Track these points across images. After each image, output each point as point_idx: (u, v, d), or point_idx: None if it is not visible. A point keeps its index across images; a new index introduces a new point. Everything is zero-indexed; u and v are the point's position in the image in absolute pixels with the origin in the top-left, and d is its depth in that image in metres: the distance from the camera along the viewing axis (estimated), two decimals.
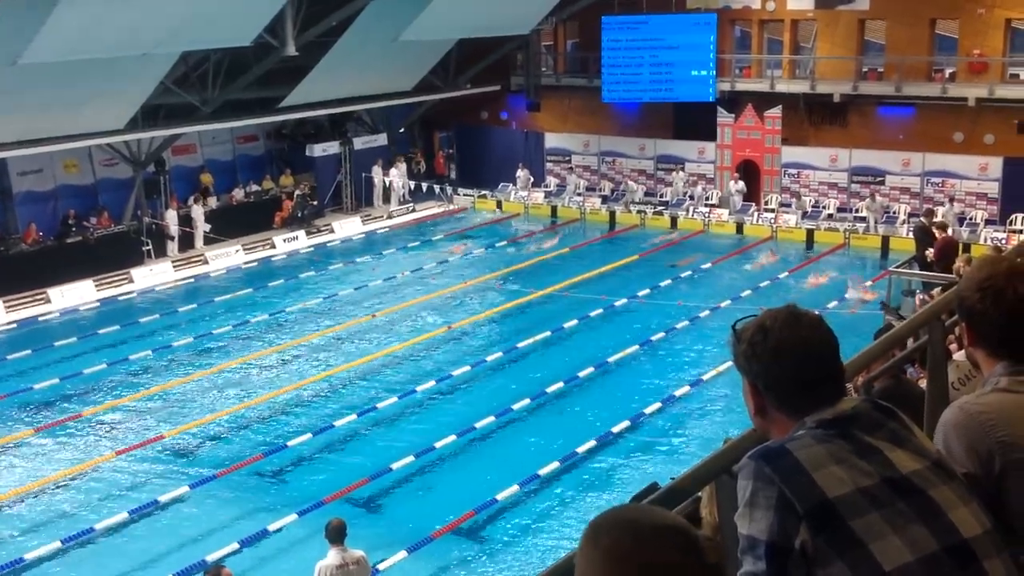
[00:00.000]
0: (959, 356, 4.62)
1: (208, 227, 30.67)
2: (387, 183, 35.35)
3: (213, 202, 31.64)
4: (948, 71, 31.47)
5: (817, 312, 2.29)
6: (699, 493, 2.91)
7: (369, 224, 34.15)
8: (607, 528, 1.81)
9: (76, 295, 26.40)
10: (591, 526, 1.84)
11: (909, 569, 1.94)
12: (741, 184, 32.77)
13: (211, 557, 13.35)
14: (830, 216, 31.78)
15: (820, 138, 32.53)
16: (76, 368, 21.08)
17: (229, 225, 31.07)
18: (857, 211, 31.48)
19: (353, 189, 35.16)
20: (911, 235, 25.53)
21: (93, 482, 16.39)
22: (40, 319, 25.20)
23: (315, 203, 31.90)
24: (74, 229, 28.14)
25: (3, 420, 18.71)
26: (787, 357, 2.20)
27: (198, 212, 30.64)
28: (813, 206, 32.24)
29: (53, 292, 26.06)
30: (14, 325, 24.71)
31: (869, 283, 25.75)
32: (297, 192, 32.68)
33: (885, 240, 29.83)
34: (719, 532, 2.54)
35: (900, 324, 4.38)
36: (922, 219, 23.23)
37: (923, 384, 4.46)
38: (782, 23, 33.41)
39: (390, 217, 34.86)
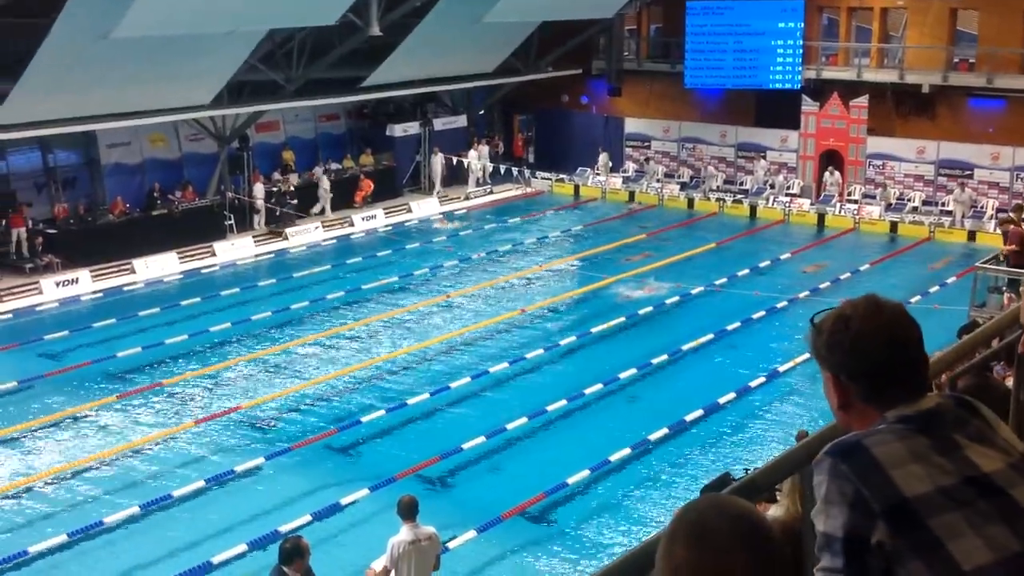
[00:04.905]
0: None
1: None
2: (465, 164, 35.45)
3: (294, 179, 32.03)
4: None
5: (899, 301, 2.23)
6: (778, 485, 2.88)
7: (446, 205, 34.30)
8: (683, 520, 1.85)
9: (160, 267, 26.95)
10: (672, 517, 1.86)
11: (988, 570, 1.88)
12: (837, 175, 32.27)
13: (284, 528, 13.56)
14: (915, 209, 31.14)
15: (907, 129, 31.85)
16: (158, 338, 21.49)
17: (309, 203, 31.48)
18: (944, 204, 30.81)
19: (431, 170, 35.33)
20: (998, 230, 24.94)
21: (171, 450, 16.71)
22: (125, 289, 25.77)
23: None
24: (159, 202, 28.68)
25: (87, 386, 19.14)
26: (870, 344, 2.13)
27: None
28: (898, 198, 31.63)
29: (138, 263, 26.62)
30: (100, 294, 25.33)
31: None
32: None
33: (972, 235, 29.16)
34: (800, 522, 2.51)
35: (988, 321, 4.27)
36: (1010, 214, 22.68)
37: (1009, 382, 4.35)
38: (871, 11, 32.77)
39: (467, 199, 34.97)
